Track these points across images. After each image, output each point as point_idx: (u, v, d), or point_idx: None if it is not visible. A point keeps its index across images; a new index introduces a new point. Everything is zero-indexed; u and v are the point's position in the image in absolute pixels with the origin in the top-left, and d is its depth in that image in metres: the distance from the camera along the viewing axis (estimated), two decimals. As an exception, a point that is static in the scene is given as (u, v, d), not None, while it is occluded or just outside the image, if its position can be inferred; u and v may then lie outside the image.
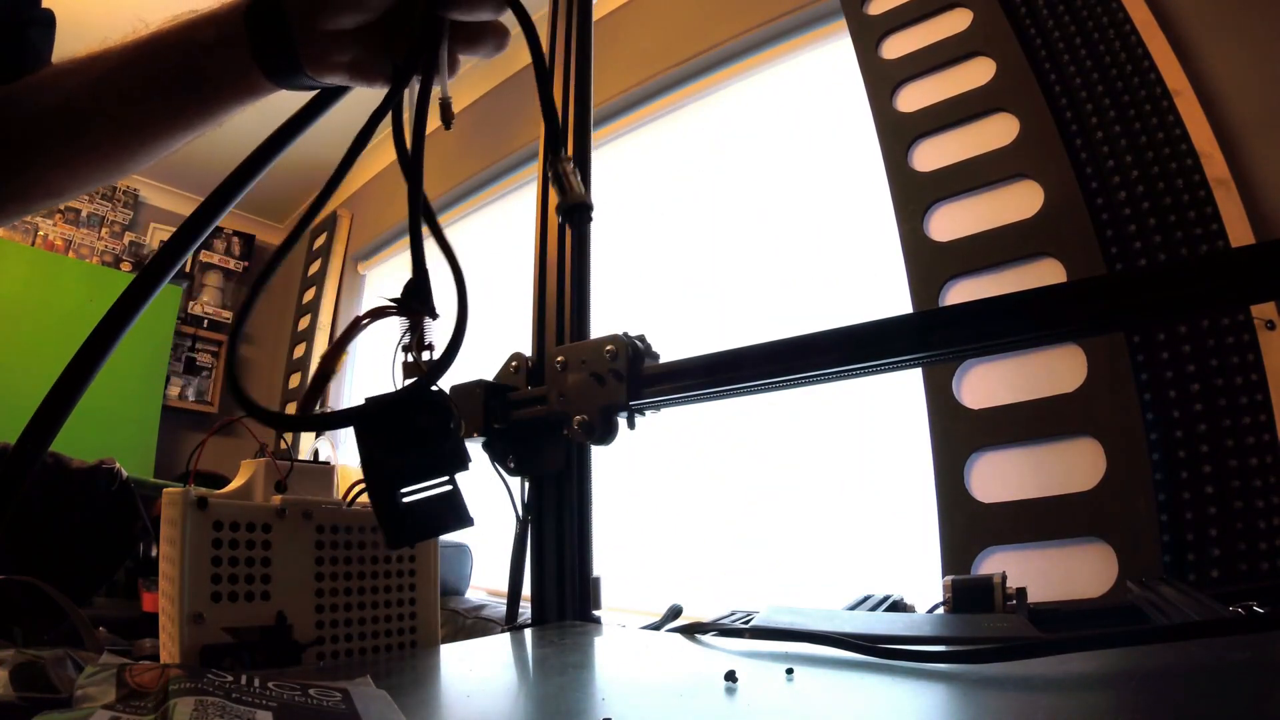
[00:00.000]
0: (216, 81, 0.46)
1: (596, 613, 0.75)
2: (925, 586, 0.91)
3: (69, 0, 0.68)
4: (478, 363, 0.83)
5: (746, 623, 0.67)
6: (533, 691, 0.46)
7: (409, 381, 0.40)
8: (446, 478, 0.40)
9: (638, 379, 0.68)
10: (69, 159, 0.50)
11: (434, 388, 0.40)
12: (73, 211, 3.24)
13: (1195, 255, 0.90)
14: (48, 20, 0.58)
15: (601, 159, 0.92)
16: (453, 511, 0.41)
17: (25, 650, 0.35)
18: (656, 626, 0.73)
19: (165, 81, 0.47)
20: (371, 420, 0.39)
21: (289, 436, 0.56)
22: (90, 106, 0.48)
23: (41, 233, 3.15)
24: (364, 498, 0.58)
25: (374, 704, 0.33)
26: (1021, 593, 0.74)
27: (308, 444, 0.83)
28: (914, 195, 1.16)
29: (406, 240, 0.40)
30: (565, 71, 0.92)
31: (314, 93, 0.47)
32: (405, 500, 0.39)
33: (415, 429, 0.39)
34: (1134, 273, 0.83)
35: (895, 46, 1.27)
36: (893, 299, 1.18)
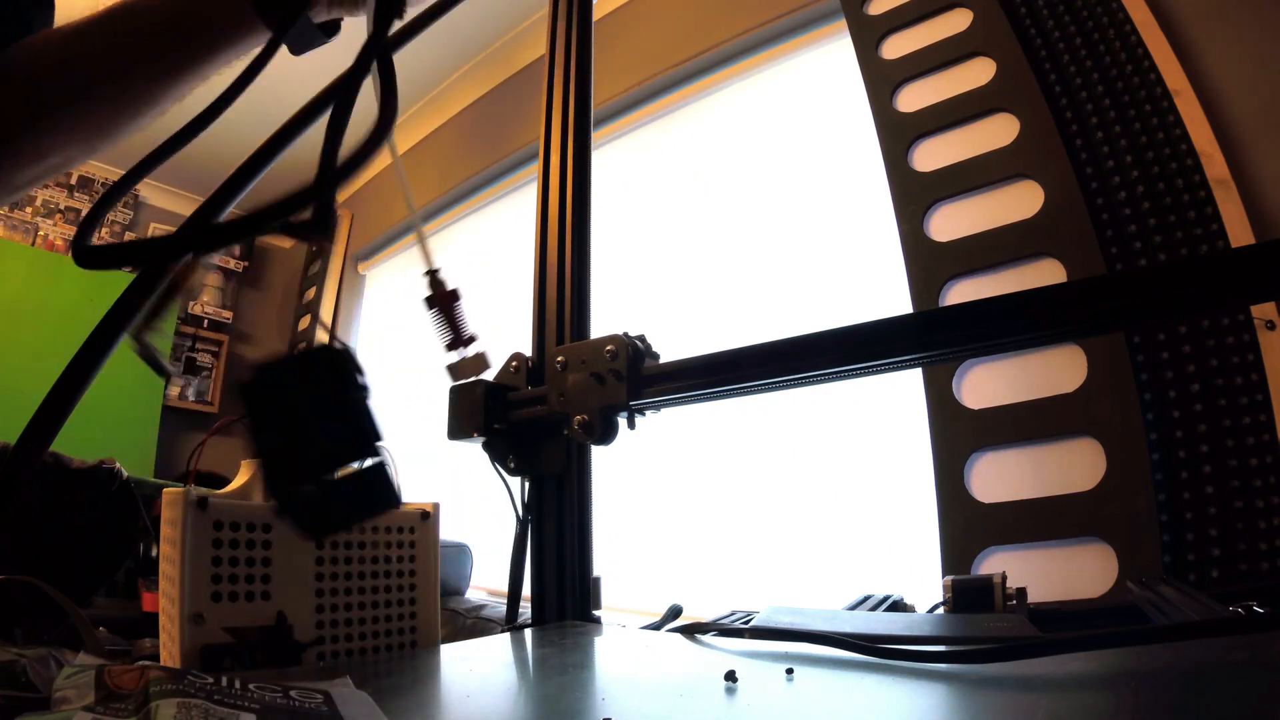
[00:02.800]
0: (203, 15, 0.46)
1: (596, 613, 0.75)
2: (925, 586, 0.91)
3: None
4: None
5: (746, 623, 0.67)
6: (533, 691, 0.46)
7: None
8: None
9: (638, 379, 0.68)
10: (59, 120, 0.50)
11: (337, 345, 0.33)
12: (73, 211, 3.23)
13: (1195, 255, 0.90)
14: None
15: (602, 159, 0.92)
16: (377, 492, 0.33)
17: (9, 648, 0.34)
18: (656, 626, 0.73)
19: (151, 21, 0.46)
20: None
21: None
22: (77, 52, 0.47)
23: (42, 233, 3.15)
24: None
25: (356, 706, 0.33)
26: (1021, 593, 0.74)
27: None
28: (914, 195, 1.16)
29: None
30: (565, 71, 0.93)
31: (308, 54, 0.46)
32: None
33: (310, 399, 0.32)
34: (1134, 273, 0.83)
35: (895, 47, 1.27)
36: (893, 299, 1.18)
